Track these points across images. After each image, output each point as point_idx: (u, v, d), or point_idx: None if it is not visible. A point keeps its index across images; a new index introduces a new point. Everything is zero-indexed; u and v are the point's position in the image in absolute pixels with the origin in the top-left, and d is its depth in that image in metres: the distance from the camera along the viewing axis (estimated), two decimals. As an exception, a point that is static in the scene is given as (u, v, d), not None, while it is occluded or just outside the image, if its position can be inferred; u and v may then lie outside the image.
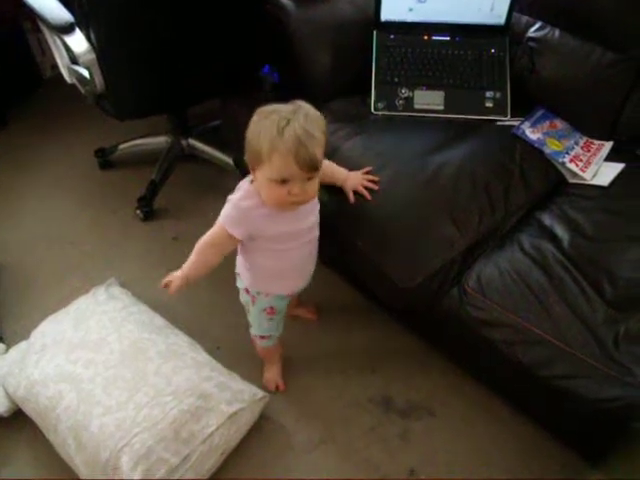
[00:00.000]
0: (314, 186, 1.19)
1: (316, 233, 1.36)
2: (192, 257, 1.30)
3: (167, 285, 1.30)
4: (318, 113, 1.16)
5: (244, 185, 1.26)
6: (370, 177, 1.48)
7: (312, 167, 1.13)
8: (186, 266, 1.30)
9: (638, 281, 1.36)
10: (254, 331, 1.53)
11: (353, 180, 1.47)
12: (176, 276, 1.30)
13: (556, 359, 1.31)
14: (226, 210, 1.25)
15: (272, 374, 1.65)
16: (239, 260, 1.40)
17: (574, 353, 1.28)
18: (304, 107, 1.15)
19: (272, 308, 1.45)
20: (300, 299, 1.73)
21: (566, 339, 1.30)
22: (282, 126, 1.09)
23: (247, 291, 1.42)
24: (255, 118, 1.16)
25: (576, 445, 1.51)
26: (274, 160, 1.11)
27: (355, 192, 1.46)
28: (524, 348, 1.35)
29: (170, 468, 1.34)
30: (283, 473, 1.49)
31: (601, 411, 1.25)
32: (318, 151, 1.13)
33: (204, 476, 1.43)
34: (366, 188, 1.46)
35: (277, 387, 1.65)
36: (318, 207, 1.33)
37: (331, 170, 1.44)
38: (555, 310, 1.34)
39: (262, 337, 1.54)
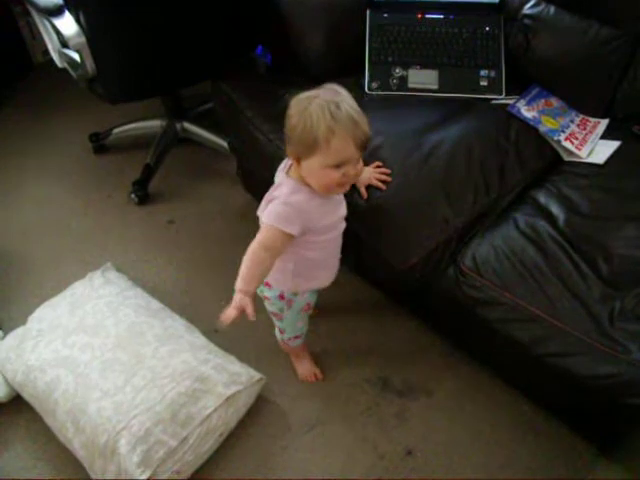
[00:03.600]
0: (362, 164, 1.20)
1: (344, 223, 1.35)
2: (246, 270, 1.19)
3: (227, 318, 1.17)
4: (348, 92, 1.15)
5: (283, 179, 1.23)
6: (381, 169, 1.47)
7: (366, 145, 1.15)
8: (244, 284, 1.18)
9: (633, 259, 1.36)
10: (287, 335, 1.53)
11: (365, 175, 1.44)
12: (243, 301, 1.17)
13: (551, 337, 1.31)
14: (276, 209, 1.19)
15: (307, 366, 1.64)
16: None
17: (569, 330, 1.29)
18: (339, 89, 1.14)
19: (309, 304, 1.45)
20: None
21: (561, 317, 1.30)
22: (333, 109, 1.08)
23: (282, 297, 1.39)
24: (296, 108, 1.13)
25: (574, 424, 1.52)
26: (332, 144, 1.09)
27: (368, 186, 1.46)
28: (520, 326, 1.35)
29: (169, 450, 1.34)
30: (281, 454, 1.50)
31: (596, 388, 1.26)
32: (368, 128, 1.13)
33: (202, 457, 1.44)
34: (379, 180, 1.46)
35: (316, 377, 1.64)
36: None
37: None
38: (550, 288, 1.34)
39: (296, 337, 1.54)
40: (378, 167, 1.48)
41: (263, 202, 1.25)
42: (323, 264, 1.37)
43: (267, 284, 1.38)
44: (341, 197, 1.30)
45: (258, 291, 1.41)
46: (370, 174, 1.46)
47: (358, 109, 1.12)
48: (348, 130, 1.09)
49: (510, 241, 1.42)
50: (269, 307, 1.45)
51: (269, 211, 1.20)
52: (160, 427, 1.35)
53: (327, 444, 1.52)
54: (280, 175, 1.25)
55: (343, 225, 1.34)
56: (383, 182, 1.45)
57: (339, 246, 1.38)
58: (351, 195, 1.43)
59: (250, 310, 1.17)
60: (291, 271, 1.33)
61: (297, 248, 1.27)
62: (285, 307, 1.42)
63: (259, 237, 1.20)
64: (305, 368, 1.64)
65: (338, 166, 1.12)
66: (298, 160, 1.16)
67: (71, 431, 1.40)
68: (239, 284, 1.19)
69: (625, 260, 1.36)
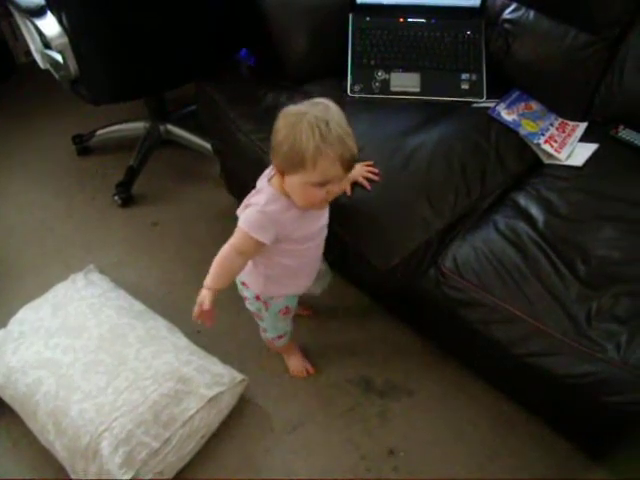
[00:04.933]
0: (347, 181, 1.20)
1: (326, 231, 1.35)
2: (215, 269, 1.23)
3: (201, 313, 1.24)
4: (339, 107, 1.13)
5: (264, 187, 1.22)
6: (371, 168, 1.47)
7: (353, 165, 1.14)
8: (210, 280, 1.23)
9: (610, 259, 1.38)
10: (270, 334, 1.54)
11: (354, 171, 1.40)
12: (203, 294, 1.23)
13: (531, 337, 1.32)
14: (251, 216, 1.19)
15: (297, 362, 1.65)
16: (246, 269, 1.32)
17: (548, 331, 1.30)
18: (329, 104, 1.12)
19: (287, 308, 1.45)
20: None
21: (540, 317, 1.32)
22: (323, 129, 1.07)
23: (258, 298, 1.40)
24: (284, 123, 1.11)
25: (555, 424, 1.53)
26: (319, 165, 1.08)
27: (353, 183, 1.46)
28: (500, 327, 1.37)
29: (151, 451, 1.35)
30: (263, 454, 1.51)
31: (574, 387, 1.28)
32: (355, 147, 1.12)
33: (185, 459, 1.44)
34: (366, 179, 1.46)
35: (307, 372, 1.65)
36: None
37: None
38: (530, 289, 1.35)
39: (279, 337, 1.55)
40: (368, 165, 1.48)
41: (242, 204, 1.26)
42: (299, 272, 1.37)
43: (244, 284, 1.40)
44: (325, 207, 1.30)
45: (238, 290, 1.44)
46: (359, 171, 1.45)
47: (347, 127, 1.11)
48: (336, 151, 1.08)
49: (490, 243, 1.44)
50: (248, 306, 1.47)
51: (245, 216, 1.20)
52: (142, 429, 1.35)
53: (310, 445, 1.53)
54: (262, 181, 1.25)
55: (323, 234, 1.34)
56: (371, 181, 1.46)
57: (318, 255, 1.39)
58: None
59: (206, 306, 1.22)
60: (264, 276, 1.34)
61: (272, 255, 1.28)
62: (262, 308, 1.43)
63: (232, 240, 1.22)
64: (296, 364, 1.65)
65: (322, 184, 1.12)
66: (282, 173, 1.15)
67: (52, 433, 1.39)
68: (206, 280, 1.24)
69: (602, 261, 1.38)
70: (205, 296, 1.22)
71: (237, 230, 1.21)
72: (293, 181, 1.14)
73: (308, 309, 1.79)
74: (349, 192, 1.45)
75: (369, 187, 1.45)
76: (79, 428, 1.35)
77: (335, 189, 1.15)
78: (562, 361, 1.29)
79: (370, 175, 1.46)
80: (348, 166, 1.12)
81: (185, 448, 1.41)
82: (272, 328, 1.52)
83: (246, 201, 1.24)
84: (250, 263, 1.32)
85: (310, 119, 1.08)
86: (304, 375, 1.65)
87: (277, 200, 1.19)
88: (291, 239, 1.24)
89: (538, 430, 1.54)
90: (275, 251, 1.26)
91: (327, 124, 1.07)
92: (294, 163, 1.10)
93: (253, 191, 1.26)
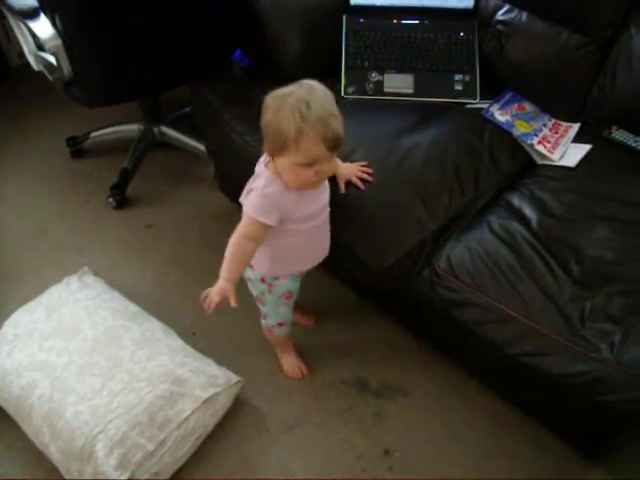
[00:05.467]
0: (335, 160, 1.21)
1: (328, 209, 1.36)
2: (229, 260, 1.25)
3: (211, 303, 1.23)
4: (326, 89, 1.15)
5: (262, 171, 1.25)
6: (364, 168, 1.47)
7: (338, 145, 1.14)
8: (227, 272, 1.24)
9: (604, 259, 1.39)
10: (271, 320, 1.54)
11: (347, 170, 1.46)
12: (226, 288, 1.23)
13: (525, 336, 1.33)
14: (253, 200, 1.22)
15: (292, 361, 1.65)
16: None
17: (542, 330, 1.31)
18: (315, 85, 1.14)
19: (290, 292, 1.46)
20: (298, 304, 1.71)
21: (534, 317, 1.32)
22: (304, 110, 1.08)
23: (263, 280, 1.41)
24: (270, 104, 1.14)
25: (550, 424, 1.54)
26: (302, 145, 1.10)
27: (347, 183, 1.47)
28: (494, 327, 1.37)
29: (146, 453, 1.34)
30: (259, 455, 1.51)
31: (568, 386, 1.28)
32: (341, 127, 1.13)
33: (181, 460, 1.44)
34: (360, 179, 1.46)
35: (302, 372, 1.65)
36: (327, 182, 1.34)
37: None
38: (524, 289, 1.36)
39: (280, 324, 1.55)
40: (362, 166, 1.48)
41: (244, 191, 1.28)
42: (304, 251, 1.39)
43: (250, 266, 1.40)
44: (323, 185, 1.31)
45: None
46: (353, 170, 1.46)
47: (331, 108, 1.12)
48: (317, 131, 1.09)
49: (484, 243, 1.44)
50: (252, 289, 1.47)
51: (248, 202, 1.23)
52: (137, 430, 1.35)
53: (306, 445, 1.53)
54: (259, 166, 1.27)
55: (326, 212, 1.35)
56: (364, 181, 1.46)
57: (324, 233, 1.40)
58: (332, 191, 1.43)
59: (233, 297, 1.23)
60: (270, 257, 1.35)
61: (277, 236, 1.29)
62: (266, 291, 1.44)
63: (240, 227, 1.24)
64: (291, 363, 1.65)
65: (309, 165, 1.14)
66: (272, 156, 1.18)
67: (47, 435, 1.39)
68: (223, 272, 1.25)
69: (596, 261, 1.38)
70: (226, 289, 1.23)
71: (243, 216, 1.24)
72: (282, 163, 1.16)
73: (311, 318, 1.79)
74: (342, 189, 1.45)
75: (363, 187, 1.46)
76: (74, 430, 1.35)
77: (324, 168, 1.17)
78: (556, 361, 1.29)
79: (364, 175, 1.47)
80: (332, 146, 1.13)
81: (181, 449, 1.41)
82: (273, 313, 1.52)
83: (247, 187, 1.27)
84: None
85: (292, 101, 1.10)
86: (298, 375, 1.65)
87: (274, 182, 1.22)
88: (294, 218, 1.26)
89: (533, 430, 1.55)
90: (280, 232, 1.27)
91: (307, 105, 1.09)
92: (279, 145, 1.13)
93: (252, 177, 1.28)
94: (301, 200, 1.24)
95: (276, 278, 1.41)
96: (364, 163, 1.49)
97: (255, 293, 1.48)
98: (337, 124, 1.12)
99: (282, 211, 1.23)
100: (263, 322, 1.58)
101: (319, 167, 1.15)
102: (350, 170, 1.46)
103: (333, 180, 1.43)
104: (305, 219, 1.29)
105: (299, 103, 1.09)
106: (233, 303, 1.23)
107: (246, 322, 1.52)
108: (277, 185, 1.21)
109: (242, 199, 1.28)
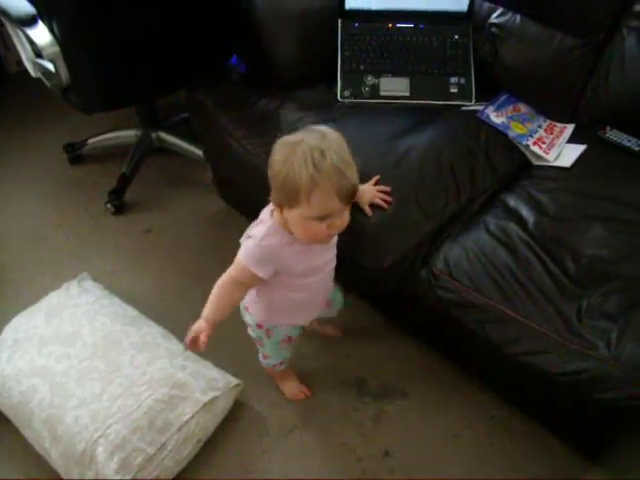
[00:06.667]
0: (348, 213, 1.12)
1: (334, 262, 1.31)
2: (213, 300, 1.20)
3: (194, 342, 1.20)
4: (339, 134, 1.07)
5: (265, 219, 1.18)
6: (382, 188, 1.45)
7: (353, 196, 1.08)
8: (209, 311, 1.20)
9: (600, 258, 1.39)
10: (271, 361, 1.51)
11: (368, 194, 1.41)
12: (201, 327, 1.19)
13: (523, 336, 1.33)
14: (248, 249, 1.16)
15: (294, 387, 1.62)
16: (249, 293, 1.31)
17: (539, 329, 1.31)
18: (327, 132, 1.06)
19: (289, 338, 1.43)
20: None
21: (532, 316, 1.33)
22: (317, 159, 1.00)
23: (260, 326, 1.37)
24: (280, 152, 1.06)
25: (550, 425, 1.54)
26: (314, 198, 1.02)
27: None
28: (492, 327, 1.38)
29: (146, 457, 1.35)
30: (260, 458, 1.51)
31: (567, 384, 1.29)
32: (357, 178, 1.06)
33: (181, 464, 1.44)
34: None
35: (305, 394, 1.62)
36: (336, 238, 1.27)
37: None
38: (521, 288, 1.36)
39: (281, 363, 1.53)
40: (377, 183, 1.45)
41: (245, 234, 1.21)
42: (303, 304, 1.33)
43: (247, 309, 1.37)
44: (333, 240, 1.26)
45: (241, 314, 1.41)
46: (372, 193, 1.43)
47: (346, 155, 1.04)
48: (332, 181, 1.01)
49: (481, 243, 1.45)
50: (250, 332, 1.44)
51: (243, 248, 1.18)
52: (137, 435, 1.35)
53: (306, 448, 1.53)
54: (265, 212, 1.20)
55: (330, 267, 1.31)
56: (385, 201, 1.44)
57: (325, 287, 1.36)
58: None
59: (203, 338, 1.18)
60: (266, 306, 1.32)
61: (274, 287, 1.25)
62: (264, 336, 1.40)
63: (230, 270, 1.19)
64: (292, 389, 1.62)
65: (322, 218, 1.07)
66: (281, 208, 1.11)
67: (48, 440, 1.39)
68: (204, 311, 1.21)
69: (592, 259, 1.39)
70: (202, 329, 1.19)
71: (236, 261, 1.18)
72: (293, 216, 1.09)
73: (339, 329, 1.75)
74: (370, 213, 1.42)
75: (386, 207, 1.43)
76: (74, 435, 1.35)
77: (336, 222, 1.09)
78: (554, 359, 1.30)
79: (383, 195, 1.44)
80: (347, 198, 1.06)
81: (181, 453, 1.41)
82: (273, 356, 1.49)
83: (248, 231, 1.21)
84: (254, 291, 1.30)
85: (304, 148, 1.02)
86: (302, 398, 1.61)
87: (276, 234, 1.15)
88: (293, 273, 1.21)
89: (533, 431, 1.55)
90: (277, 284, 1.23)
91: (322, 153, 1.01)
92: (289, 197, 1.05)
93: (256, 220, 1.22)
94: (304, 255, 1.18)
95: (274, 326, 1.38)
96: (377, 178, 1.46)
97: (253, 336, 1.44)
98: (352, 174, 1.04)
99: (278, 265, 1.17)
100: (263, 361, 1.54)
101: (332, 221, 1.08)
102: (370, 195, 1.42)
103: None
104: (304, 274, 1.23)
105: (312, 151, 1.01)
106: (202, 346, 1.18)
107: (245, 326, 1.52)
108: (278, 238, 1.15)
109: (242, 240, 1.21)
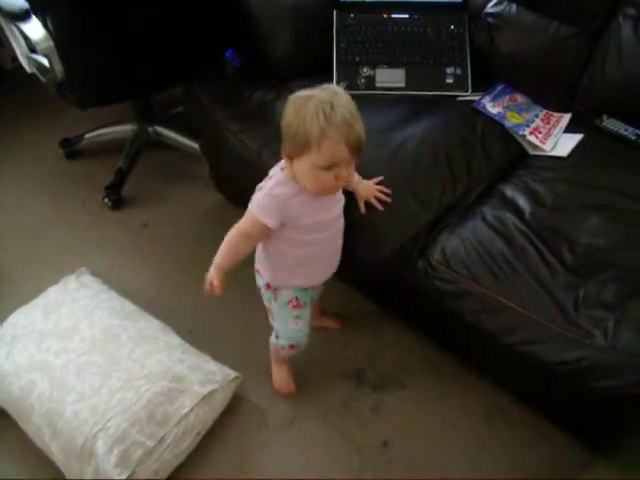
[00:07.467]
0: (353, 166, 1.18)
1: (342, 222, 1.34)
2: (223, 248, 1.26)
3: (211, 287, 1.26)
4: (347, 93, 1.14)
5: (276, 173, 1.23)
6: (382, 188, 1.46)
7: (360, 148, 1.13)
8: (218, 258, 1.26)
9: (596, 247, 1.40)
10: (282, 342, 1.49)
11: (366, 190, 1.44)
12: (212, 273, 1.26)
13: (520, 325, 1.34)
14: (257, 199, 1.21)
15: (284, 377, 1.61)
16: (259, 253, 1.37)
17: (536, 318, 1.32)
18: (337, 89, 1.13)
19: (297, 300, 1.40)
20: (322, 309, 1.73)
21: (528, 305, 1.33)
22: (328, 111, 1.07)
23: (268, 286, 1.39)
24: (292, 107, 1.12)
25: (548, 414, 1.55)
26: (324, 146, 1.09)
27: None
28: (489, 317, 1.38)
29: (146, 450, 1.35)
30: (259, 450, 1.51)
31: (563, 373, 1.29)
32: (363, 132, 1.12)
33: (181, 457, 1.44)
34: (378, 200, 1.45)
35: (289, 390, 1.61)
36: (343, 196, 1.32)
37: None
38: (518, 278, 1.37)
39: (291, 347, 1.50)
40: (379, 183, 1.46)
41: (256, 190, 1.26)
42: (308, 263, 1.34)
43: (258, 271, 1.40)
44: (338, 195, 1.29)
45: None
46: (372, 191, 1.45)
47: (354, 112, 1.11)
48: (341, 132, 1.08)
49: (478, 234, 1.45)
50: (263, 299, 1.46)
51: (253, 199, 1.22)
52: (137, 428, 1.36)
53: (305, 439, 1.54)
54: (275, 169, 1.26)
55: (338, 226, 1.33)
56: (382, 202, 1.45)
57: (332, 248, 1.36)
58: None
59: (216, 283, 1.25)
60: (271, 263, 1.34)
61: (276, 243, 1.29)
62: (272, 298, 1.41)
63: (240, 222, 1.24)
64: (282, 378, 1.61)
65: (329, 167, 1.12)
66: (291, 159, 1.16)
67: (48, 435, 1.39)
68: (215, 258, 1.27)
69: (589, 248, 1.39)
70: (214, 275, 1.25)
71: (246, 213, 1.23)
72: (302, 165, 1.14)
73: (337, 321, 1.76)
74: (363, 210, 1.44)
75: (381, 208, 1.45)
76: (74, 429, 1.36)
77: (343, 172, 1.14)
78: (551, 348, 1.30)
79: (382, 196, 1.45)
80: (355, 148, 1.12)
81: (180, 446, 1.42)
82: (283, 330, 1.47)
83: (258, 186, 1.25)
84: (262, 250, 1.34)
85: (316, 102, 1.09)
86: (284, 392, 1.61)
87: (285, 184, 1.20)
88: (298, 226, 1.24)
89: (532, 420, 1.55)
90: (282, 239, 1.27)
91: (332, 106, 1.08)
92: (300, 146, 1.11)
93: (266, 177, 1.26)
94: (310, 207, 1.22)
95: (280, 287, 1.39)
96: (380, 178, 1.46)
97: (265, 302, 1.46)
98: (360, 128, 1.12)
99: (286, 215, 1.21)
100: (274, 340, 1.53)
101: (339, 171, 1.13)
102: (369, 191, 1.44)
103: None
104: (309, 229, 1.26)
105: (323, 104, 1.08)
106: (217, 291, 1.25)
107: (242, 318, 1.53)
108: (287, 188, 1.20)
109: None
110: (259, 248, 1.36)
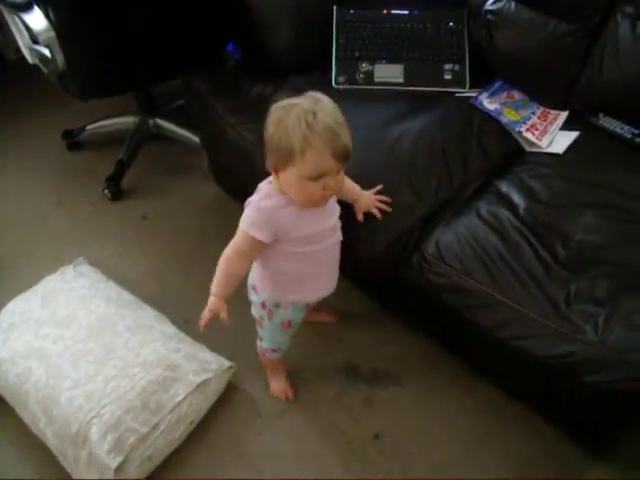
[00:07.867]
0: (342, 176, 1.16)
1: (339, 235, 1.31)
2: (219, 272, 1.23)
3: (201, 320, 1.24)
4: (332, 101, 1.11)
5: (263, 186, 1.21)
6: (382, 198, 1.45)
7: (347, 157, 1.10)
8: (216, 286, 1.23)
9: (589, 243, 1.40)
10: (266, 344, 1.50)
11: (366, 201, 1.42)
12: (211, 305, 1.23)
13: (512, 320, 1.35)
14: (246, 215, 1.19)
15: (281, 384, 1.61)
16: (256, 271, 1.34)
17: (529, 314, 1.33)
18: (320, 96, 1.10)
19: (289, 322, 1.41)
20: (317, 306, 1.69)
21: (521, 300, 1.34)
22: (310, 119, 1.04)
23: (264, 305, 1.37)
24: (274, 116, 1.10)
25: (540, 407, 1.56)
26: (309, 156, 1.06)
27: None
28: (482, 311, 1.39)
29: (139, 437, 1.37)
30: (252, 440, 1.53)
31: (555, 367, 1.30)
32: (349, 139, 1.09)
33: (174, 444, 1.46)
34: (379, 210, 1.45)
35: (287, 396, 1.61)
36: (338, 207, 1.30)
37: (346, 186, 1.36)
38: (511, 273, 1.37)
39: (273, 350, 1.51)
40: (378, 193, 1.45)
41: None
42: (305, 278, 1.32)
43: (254, 288, 1.38)
44: (332, 206, 1.27)
45: (248, 294, 1.42)
46: (372, 202, 1.43)
47: (339, 119, 1.08)
48: (325, 141, 1.05)
49: (472, 229, 1.46)
50: (253, 312, 1.44)
51: (243, 216, 1.20)
52: (131, 415, 1.37)
53: (297, 430, 1.55)
54: (263, 182, 1.23)
55: (333, 238, 1.30)
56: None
57: (329, 263, 1.34)
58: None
59: (225, 314, 1.22)
60: (270, 280, 1.32)
61: (274, 259, 1.26)
62: (265, 316, 1.40)
63: (233, 241, 1.22)
64: (279, 386, 1.61)
65: (316, 178, 1.09)
66: (276, 171, 1.14)
67: (43, 421, 1.41)
68: (213, 288, 1.24)
69: (582, 245, 1.40)
70: (218, 307, 1.23)
71: (237, 231, 1.21)
72: (288, 177, 1.11)
73: (333, 315, 1.76)
74: (361, 219, 1.43)
75: (380, 217, 1.44)
76: (69, 415, 1.37)
77: (330, 182, 1.11)
78: (542, 343, 1.31)
79: (382, 206, 1.44)
80: (341, 157, 1.09)
81: (174, 434, 1.43)
82: (269, 339, 1.48)
83: (246, 202, 1.23)
84: (260, 267, 1.32)
85: (298, 111, 1.06)
86: (282, 398, 1.61)
87: (274, 196, 1.17)
88: (290, 238, 1.21)
89: (525, 415, 1.56)
90: (278, 254, 1.24)
91: (314, 114, 1.05)
92: (284, 157, 1.08)
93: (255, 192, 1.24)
94: (300, 219, 1.19)
95: (277, 306, 1.36)
96: (380, 187, 1.45)
97: (255, 315, 1.44)
98: (346, 136, 1.08)
99: (277, 228, 1.18)
100: (258, 343, 1.53)
101: (327, 181, 1.10)
102: (368, 202, 1.43)
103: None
104: (302, 241, 1.23)
105: (305, 113, 1.05)
106: (227, 321, 1.22)
107: (238, 310, 1.52)
108: (275, 200, 1.17)
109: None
110: (257, 266, 1.33)
